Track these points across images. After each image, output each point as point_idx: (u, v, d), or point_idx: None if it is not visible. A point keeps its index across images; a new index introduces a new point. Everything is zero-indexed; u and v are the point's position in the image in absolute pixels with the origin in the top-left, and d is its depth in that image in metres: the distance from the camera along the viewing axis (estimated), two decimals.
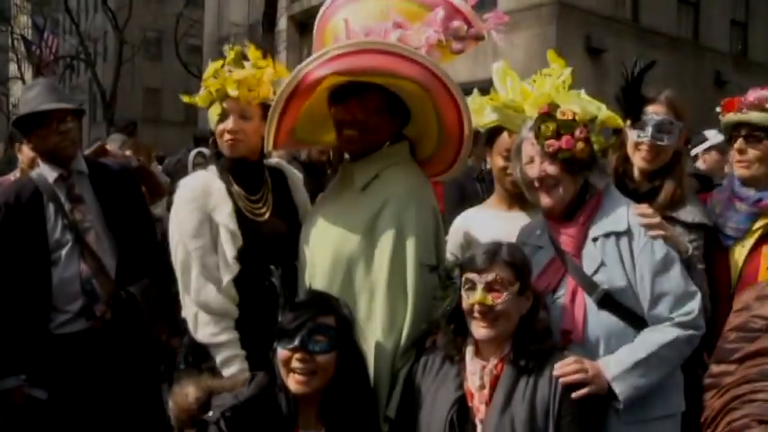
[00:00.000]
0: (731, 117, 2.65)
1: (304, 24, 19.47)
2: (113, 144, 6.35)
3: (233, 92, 2.52)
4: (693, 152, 5.12)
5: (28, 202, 2.88)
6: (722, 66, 17.84)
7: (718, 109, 2.74)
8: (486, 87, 2.76)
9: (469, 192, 4.49)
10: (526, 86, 2.62)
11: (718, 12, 18.08)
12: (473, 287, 2.10)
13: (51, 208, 2.90)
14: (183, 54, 25.22)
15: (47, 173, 2.96)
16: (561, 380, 2.08)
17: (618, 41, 14.62)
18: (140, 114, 31.21)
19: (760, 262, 2.55)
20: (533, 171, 2.30)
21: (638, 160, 2.62)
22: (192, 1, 27.36)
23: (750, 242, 2.59)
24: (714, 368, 2.13)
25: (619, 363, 2.15)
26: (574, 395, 2.07)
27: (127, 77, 28.33)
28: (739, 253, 2.61)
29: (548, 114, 2.31)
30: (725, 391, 2.04)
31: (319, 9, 2.64)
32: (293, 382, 2.03)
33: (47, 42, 27.04)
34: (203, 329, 2.48)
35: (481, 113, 2.70)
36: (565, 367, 2.10)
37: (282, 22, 17.97)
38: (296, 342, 2.02)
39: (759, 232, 2.59)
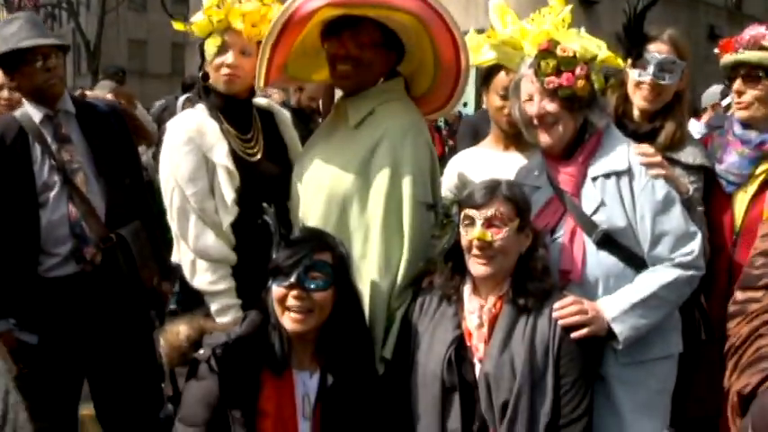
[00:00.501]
0: (728, 58, 2.58)
1: None
2: (102, 91, 6.23)
3: (238, 24, 2.42)
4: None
5: (13, 142, 2.79)
6: (716, 19, 17.72)
7: (716, 50, 2.67)
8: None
9: (483, 134, 4.44)
10: (524, 26, 2.55)
11: None
12: (472, 223, 2.06)
13: (38, 148, 2.81)
14: (168, 5, 24.71)
15: (32, 112, 2.86)
16: (560, 321, 2.06)
17: None
18: (126, 66, 30.65)
19: (763, 207, 2.50)
20: (532, 109, 2.25)
21: (639, 100, 2.57)
22: None
23: (753, 187, 2.55)
24: (739, 295, 2.07)
25: (618, 303, 2.13)
26: (573, 335, 2.05)
27: (111, 28, 27.78)
28: (741, 198, 2.57)
29: (548, 51, 2.25)
30: (753, 317, 1.97)
31: None
32: (289, 321, 1.98)
33: None
34: (201, 277, 2.41)
35: (478, 52, 2.64)
36: (564, 308, 2.08)
37: None
38: (292, 279, 1.97)
39: (762, 177, 2.54)
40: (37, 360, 2.82)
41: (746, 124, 2.60)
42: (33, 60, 2.78)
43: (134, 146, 3.22)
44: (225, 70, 2.46)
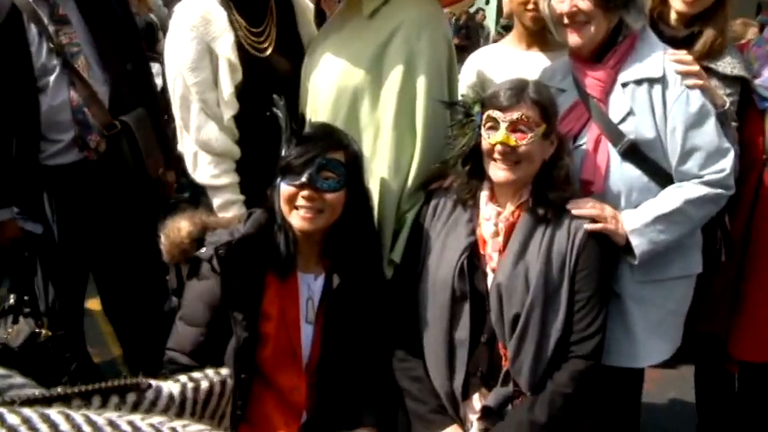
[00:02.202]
0: None
1: None
2: None
3: None
4: None
5: (5, 21, 2.63)
6: None
7: None
8: None
9: None
10: None
11: None
12: (495, 126, 1.94)
13: (33, 29, 2.65)
14: None
15: None
16: (574, 211, 1.98)
17: None
18: None
19: None
20: (563, 6, 2.09)
21: (678, 2, 2.38)
22: None
23: None
24: None
25: (640, 216, 2.04)
26: (587, 227, 1.97)
27: None
28: None
29: None
30: None
31: None
32: (297, 219, 1.89)
33: None
34: (203, 170, 2.31)
35: None
36: (581, 204, 2.00)
37: None
38: (303, 178, 1.86)
39: None
40: (42, 249, 2.78)
41: None
42: None
43: (137, 28, 3.06)
44: None
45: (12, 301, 2.79)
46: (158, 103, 3.07)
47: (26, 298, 2.77)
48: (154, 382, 0.73)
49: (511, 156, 1.93)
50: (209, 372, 0.81)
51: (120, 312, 3.02)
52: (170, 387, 0.74)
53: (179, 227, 1.99)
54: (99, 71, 2.75)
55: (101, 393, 0.66)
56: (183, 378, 0.76)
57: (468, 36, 7.25)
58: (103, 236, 2.80)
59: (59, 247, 2.75)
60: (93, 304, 3.36)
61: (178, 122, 2.35)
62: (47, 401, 0.61)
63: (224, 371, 0.83)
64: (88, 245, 2.81)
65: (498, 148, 1.93)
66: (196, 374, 0.79)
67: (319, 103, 2.22)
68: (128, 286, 2.91)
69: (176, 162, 2.84)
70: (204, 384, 0.78)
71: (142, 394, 0.70)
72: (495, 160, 1.95)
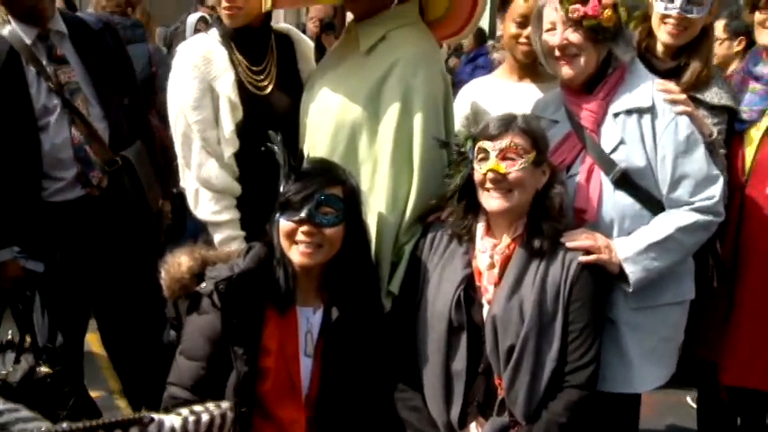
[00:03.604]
0: None
1: None
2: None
3: None
4: None
5: (4, 64, 2.68)
6: None
7: None
8: None
9: None
10: None
11: None
12: (486, 156, 1.99)
13: (32, 70, 2.70)
14: None
15: (22, 33, 2.73)
16: (568, 244, 2.02)
17: None
18: None
19: None
20: (554, 39, 2.15)
21: (664, 35, 2.43)
22: None
23: (765, 125, 2.44)
24: None
25: (632, 244, 2.08)
26: (581, 259, 2.01)
27: None
28: (753, 136, 2.46)
29: None
30: None
31: None
32: (297, 254, 1.93)
33: None
34: (204, 207, 2.37)
35: None
36: (575, 235, 2.04)
37: None
38: (302, 214, 1.90)
39: None
40: (43, 287, 2.79)
41: (759, 58, 2.48)
42: None
43: (130, 61, 3.11)
44: (224, 4, 2.33)
45: (9, 336, 2.80)
46: (154, 136, 3.11)
47: (27, 336, 2.78)
48: (156, 416, 0.75)
49: (503, 183, 1.98)
50: (210, 405, 0.84)
51: (120, 345, 3.03)
52: (172, 420, 0.77)
53: (179, 262, 2.02)
54: (98, 108, 2.79)
55: (105, 428, 0.68)
56: (184, 411, 0.79)
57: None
58: (105, 270, 2.82)
59: (61, 284, 2.77)
60: (90, 338, 3.37)
61: (180, 160, 2.40)
62: None
63: (224, 404, 0.85)
64: (90, 279, 2.83)
65: (489, 176, 1.97)
66: (197, 407, 0.82)
67: (318, 139, 2.26)
68: (127, 319, 2.93)
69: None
70: (205, 417, 0.81)
71: (145, 428, 0.73)
72: (487, 190, 2.00)
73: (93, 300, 2.94)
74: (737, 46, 3.91)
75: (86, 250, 2.77)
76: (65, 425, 0.66)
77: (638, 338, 2.15)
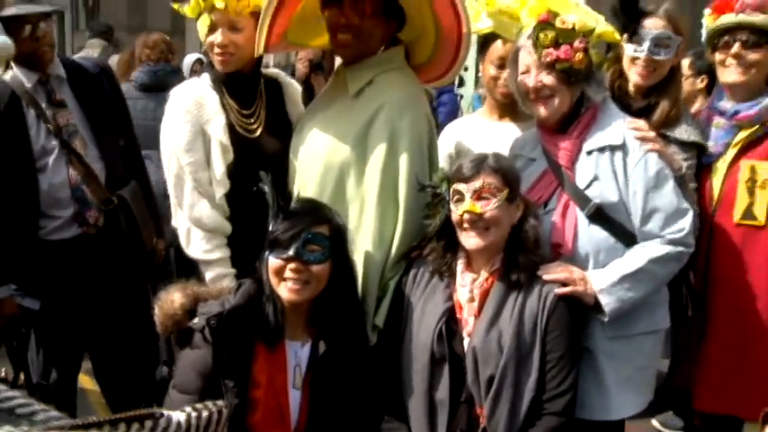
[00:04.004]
0: (729, 18, 2.50)
1: None
2: (93, 50, 6.18)
3: (219, 3, 2.37)
4: None
5: (6, 108, 2.78)
6: None
7: (707, 11, 2.61)
8: None
9: None
10: None
11: None
12: (461, 198, 2.08)
13: (32, 113, 2.80)
14: None
15: (23, 77, 2.84)
16: (545, 276, 2.10)
17: None
18: (125, 22, 30.31)
19: (737, 177, 2.52)
20: (529, 81, 2.25)
21: (634, 76, 2.55)
22: None
23: (729, 156, 2.55)
24: None
25: (607, 275, 2.16)
26: (557, 291, 2.08)
27: None
28: (720, 168, 2.57)
29: (547, 22, 2.24)
30: None
31: None
32: (285, 291, 2.01)
33: None
34: (196, 245, 2.43)
35: (476, 19, 2.62)
36: (551, 268, 2.12)
37: None
38: (291, 252, 1.98)
39: (738, 146, 2.54)
40: (39, 324, 2.85)
41: (723, 94, 2.60)
42: (20, 29, 2.75)
43: (125, 103, 3.22)
44: (216, 50, 2.43)
45: (3, 373, 2.85)
46: (148, 176, 3.20)
47: (21, 373, 2.83)
48: (165, 412, 0.89)
49: (479, 223, 2.06)
50: (209, 403, 0.98)
51: (113, 381, 3.08)
52: (178, 416, 0.90)
53: (172, 299, 2.09)
54: (95, 149, 2.89)
55: (125, 421, 0.82)
56: (188, 408, 0.93)
57: None
58: (100, 307, 2.88)
59: (57, 322, 2.83)
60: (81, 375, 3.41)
61: (172, 200, 2.48)
62: (84, 428, 0.74)
63: (220, 402, 0.99)
64: (85, 317, 2.89)
65: (466, 216, 2.06)
66: (198, 405, 0.96)
67: (308, 178, 2.34)
68: (121, 355, 2.98)
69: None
70: (205, 413, 0.95)
71: (157, 421, 0.85)
72: (465, 229, 2.08)
73: (88, 337, 3.00)
74: (701, 83, 4.07)
75: (82, 288, 2.84)
76: (93, 417, 0.80)
77: (614, 367, 2.22)
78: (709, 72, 3.58)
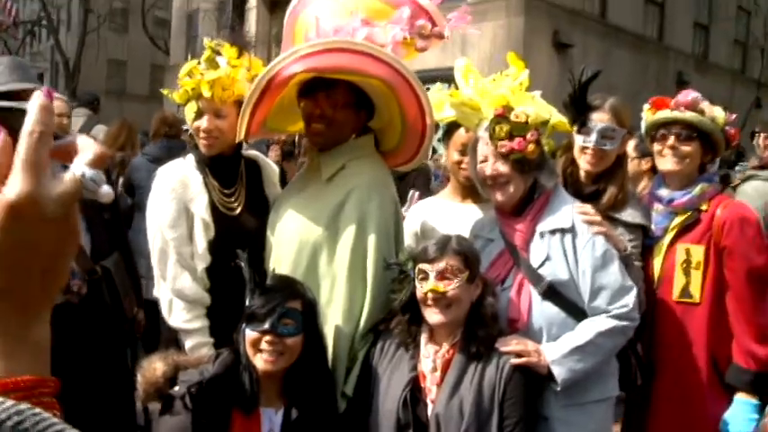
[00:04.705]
0: (665, 114, 2.79)
1: (275, 2, 19.29)
2: (77, 119, 6.37)
3: (206, 92, 2.58)
4: None
5: None
6: (684, 66, 18.28)
7: (646, 106, 2.88)
8: (453, 76, 2.82)
9: None
10: (486, 85, 2.71)
11: (682, 13, 18.49)
12: (426, 277, 2.25)
13: None
14: (149, 26, 24.85)
15: None
16: (502, 348, 2.26)
17: (585, 37, 14.84)
18: (104, 87, 30.71)
19: (675, 259, 2.75)
20: (486, 170, 2.45)
21: (584, 163, 2.78)
22: None
23: (667, 239, 2.79)
24: None
25: (559, 348, 2.33)
26: (513, 361, 2.24)
27: (91, 48, 27.80)
28: (660, 250, 2.81)
29: (502, 116, 2.44)
30: None
31: None
32: (261, 362, 2.16)
33: (5, 6, 26.26)
34: (177, 315, 2.59)
35: (440, 109, 2.81)
36: (508, 341, 2.29)
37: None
38: (266, 325, 2.14)
39: (675, 230, 2.79)
40: None
41: (662, 182, 2.85)
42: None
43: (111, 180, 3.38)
44: (202, 134, 2.63)
45: None
46: (131, 248, 3.35)
47: None
48: None
49: (442, 300, 2.24)
50: None
51: None
52: None
53: (155, 367, 2.23)
54: (82, 222, 3.03)
55: None
56: None
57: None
58: (80, 373, 2.97)
59: None
60: None
61: (156, 272, 2.63)
62: None
63: None
64: (64, 382, 2.97)
65: (430, 295, 2.23)
66: None
67: (283, 255, 2.49)
68: (99, 420, 3.05)
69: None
70: None
71: None
72: (429, 306, 2.25)
73: (66, 401, 3.08)
74: (645, 165, 4.28)
75: (63, 355, 2.93)
76: None
77: None
78: (653, 155, 3.84)
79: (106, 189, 0.70)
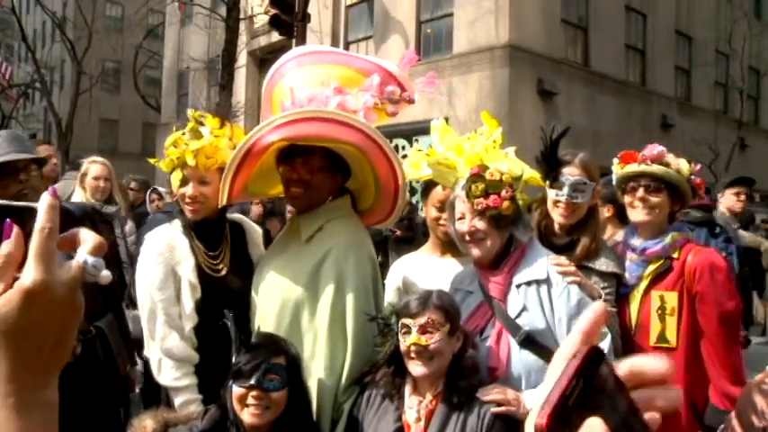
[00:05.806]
0: (633, 168, 2.91)
1: (263, 60, 19.68)
2: (72, 182, 6.49)
3: (191, 161, 2.70)
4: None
5: None
6: (668, 109, 18.63)
7: (615, 160, 3.01)
8: None
9: None
10: (462, 144, 2.83)
11: (663, 58, 18.92)
12: (408, 331, 2.34)
13: None
14: (141, 86, 25.25)
15: None
16: (482, 397, 2.33)
17: (569, 85, 15.17)
18: (96, 145, 31.00)
19: (650, 306, 2.85)
20: (464, 226, 2.55)
21: (557, 216, 2.89)
22: (151, 33, 27.50)
23: (642, 288, 2.89)
24: None
25: (537, 395, 2.39)
26: (493, 410, 2.31)
27: (84, 108, 28.19)
28: (635, 298, 2.90)
29: (478, 175, 2.55)
30: None
31: (278, 46, 2.88)
32: (248, 416, 2.23)
33: (0, 68, 26.66)
34: (166, 374, 2.67)
35: (418, 167, 2.93)
36: (488, 390, 2.36)
37: (242, 58, 18.15)
38: (252, 381, 2.22)
39: (649, 278, 2.89)
40: None
41: (634, 232, 2.96)
42: (9, 173, 2.97)
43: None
44: (188, 200, 2.75)
45: None
46: (122, 309, 3.44)
47: None
48: None
49: (424, 353, 2.31)
50: None
51: None
52: None
53: (145, 425, 2.30)
54: None
55: None
56: None
57: (411, 227, 7.72)
58: (75, 429, 3.03)
59: None
60: None
61: (145, 332, 2.72)
62: None
63: None
64: None
65: (413, 348, 2.31)
66: None
67: (267, 313, 2.58)
68: None
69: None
70: None
71: None
72: (412, 358, 2.33)
73: None
74: (607, 212, 4.27)
75: (60, 411, 2.99)
76: None
77: None
78: (614, 201, 3.92)
79: (106, 273, 0.81)
